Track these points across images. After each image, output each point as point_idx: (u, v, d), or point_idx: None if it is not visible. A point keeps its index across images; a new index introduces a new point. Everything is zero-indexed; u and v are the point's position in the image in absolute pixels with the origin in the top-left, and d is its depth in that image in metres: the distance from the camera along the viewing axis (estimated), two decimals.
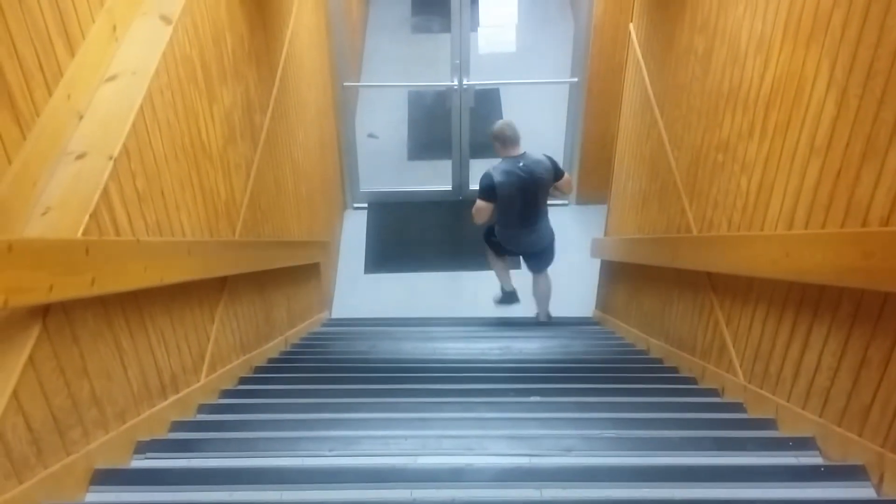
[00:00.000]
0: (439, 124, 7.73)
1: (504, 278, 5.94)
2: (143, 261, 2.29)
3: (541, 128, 8.09)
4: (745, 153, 2.85)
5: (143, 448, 2.40)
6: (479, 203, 4.98)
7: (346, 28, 7.13)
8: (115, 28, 2.31)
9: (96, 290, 1.98)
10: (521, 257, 5.73)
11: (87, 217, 1.96)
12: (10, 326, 1.73)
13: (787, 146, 2.50)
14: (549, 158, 5.02)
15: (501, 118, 8.39)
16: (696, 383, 3.41)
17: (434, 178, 7.89)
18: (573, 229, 7.13)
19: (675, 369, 3.75)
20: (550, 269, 5.63)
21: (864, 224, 2.04)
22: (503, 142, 4.94)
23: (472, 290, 6.64)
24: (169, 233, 2.60)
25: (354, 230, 7.48)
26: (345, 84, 7.15)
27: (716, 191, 3.20)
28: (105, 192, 2.07)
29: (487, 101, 8.37)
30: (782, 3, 2.51)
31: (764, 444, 2.48)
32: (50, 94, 1.94)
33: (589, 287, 6.22)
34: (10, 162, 1.77)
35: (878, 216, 1.98)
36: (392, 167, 8.24)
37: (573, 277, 6.55)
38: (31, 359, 1.78)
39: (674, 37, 3.89)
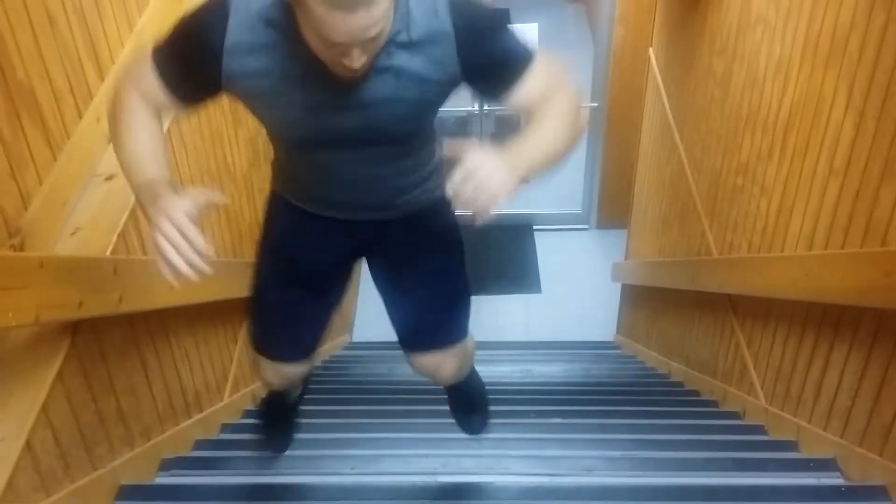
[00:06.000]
0: None
1: None
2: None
3: None
4: (764, 175, 2.86)
5: (168, 465, 2.43)
6: None
7: None
8: None
9: (124, 308, 2.02)
10: None
11: (115, 237, 2.02)
12: (40, 342, 1.78)
13: (806, 168, 2.51)
14: None
15: None
16: (717, 406, 3.39)
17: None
18: (594, 253, 7.13)
19: (696, 392, 3.73)
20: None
21: (882, 244, 2.04)
22: None
23: (493, 314, 6.64)
24: None
25: None
26: None
27: (736, 213, 3.20)
28: (133, 213, 2.12)
29: (509, 127, 8.41)
30: (800, 27, 2.53)
31: (785, 465, 2.46)
32: (80, 117, 2.00)
33: (610, 311, 6.20)
34: (41, 182, 1.83)
35: None
36: None
37: (594, 302, 6.54)
38: (60, 374, 1.82)
39: (693, 61, 3.92)
